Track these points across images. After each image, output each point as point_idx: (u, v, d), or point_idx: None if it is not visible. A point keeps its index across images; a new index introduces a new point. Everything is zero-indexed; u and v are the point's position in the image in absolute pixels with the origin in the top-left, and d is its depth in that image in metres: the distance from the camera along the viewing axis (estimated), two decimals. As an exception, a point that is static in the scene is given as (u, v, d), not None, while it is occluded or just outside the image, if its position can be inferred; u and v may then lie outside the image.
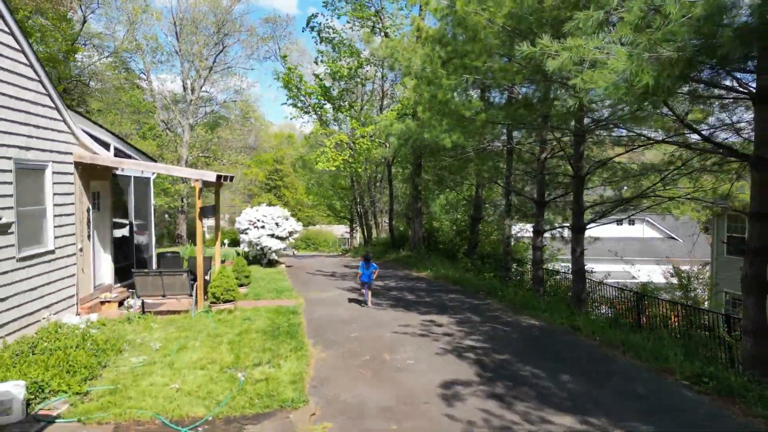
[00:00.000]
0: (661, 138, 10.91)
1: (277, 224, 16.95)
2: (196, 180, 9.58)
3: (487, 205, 20.07)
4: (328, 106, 21.33)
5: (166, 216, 48.38)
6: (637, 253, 35.22)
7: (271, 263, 17.35)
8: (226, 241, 24.20)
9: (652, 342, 8.07)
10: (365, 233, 36.15)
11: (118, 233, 11.81)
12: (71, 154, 9.10)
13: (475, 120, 9.45)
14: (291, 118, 21.50)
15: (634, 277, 27.38)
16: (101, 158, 9.50)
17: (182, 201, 42.57)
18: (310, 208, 46.80)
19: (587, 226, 11.64)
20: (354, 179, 36.04)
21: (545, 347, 7.99)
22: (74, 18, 27.06)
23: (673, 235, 40.24)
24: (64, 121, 8.90)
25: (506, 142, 14.55)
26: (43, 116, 8.28)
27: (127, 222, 12.28)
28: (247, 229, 16.79)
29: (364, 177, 29.34)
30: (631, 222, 39.36)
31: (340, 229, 76.58)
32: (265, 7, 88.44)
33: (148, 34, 42.31)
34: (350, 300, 11.70)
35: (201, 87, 43.98)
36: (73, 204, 9.17)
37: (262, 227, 16.76)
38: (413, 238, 21.07)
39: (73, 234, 9.16)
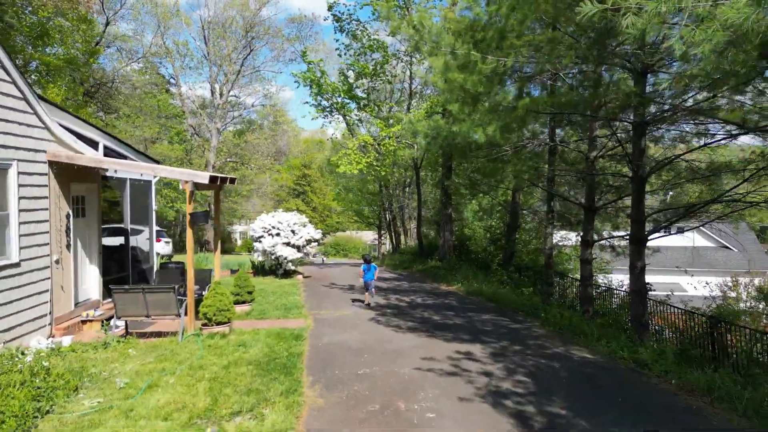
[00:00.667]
0: (736, 132, 8.98)
1: (293, 231, 15.63)
2: (186, 182, 8.26)
3: (524, 212, 18.21)
4: (352, 105, 19.98)
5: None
6: (687, 263, 32.38)
7: (288, 274, 16.03)
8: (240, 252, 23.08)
9: (750, 390, 6.20)
10: (393, 240, 34.61)
11: (111, 242, 10.67)
12: (44, 152, 7.94)
13: (515, 109, 7.80)
14: (312, 119, 19.97)
15: (685, 290, 24.81)
16: (80, 157, 8.32)
17: (209, 207, 42.05)
18: (339, 214, 45.69)
19: (649, 237, 9.74)
20: (382, 184, 34.63)
21: (607, 393, 6.23)
22: (97, 18, 26.81)
23: (727, 244, 37.08)
24: (36, 113, 7.75)
25: (548, 140, 12.75)
26: (5, 107, 7.12)
27: (122, 229, 11.14)
28: (261, 236, 15.54)
29: (391, 181, 27.86)
30: (681, 229, 36.48)
31: (370, 236, 75.41)
32: (290, 8, 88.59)
33: (177, 39, 42.38)
34: (368, 320, 10.17)
35: (229, 91, 43.63)
36: (46, 209, 8.00)
37: (277, 234, 15.47)
38: (443, 246, 19.41)
39: (47, 244, 7.98)
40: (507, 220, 17.98)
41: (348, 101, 19.42)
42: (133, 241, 12.12)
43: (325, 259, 63.92)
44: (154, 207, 12.24)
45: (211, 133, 43.16)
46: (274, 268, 15.99)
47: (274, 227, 15.50)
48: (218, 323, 8.35)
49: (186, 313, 8.36)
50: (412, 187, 31.23)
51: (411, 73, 19.98)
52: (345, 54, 19.38)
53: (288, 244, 15.46)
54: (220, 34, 43.06)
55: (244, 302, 10.55)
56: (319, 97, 19.57)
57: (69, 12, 21.19)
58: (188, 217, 8.52)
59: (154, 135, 38.08)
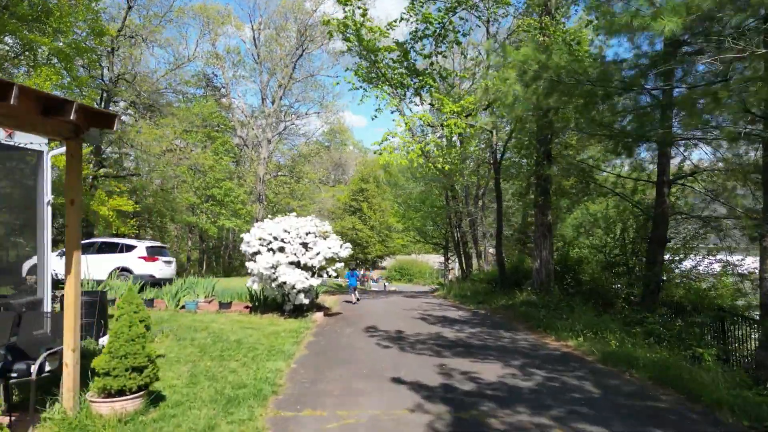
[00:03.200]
0: None
1: (305, 245, 10.10)
2: None
3: (679, 217, 11.51)
4: (404, 74, 14.31)
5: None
6: None
7: (300, 311, 10.43)
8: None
9: None
10: (463, 264, 28.26)
11: None
12: None
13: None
14: (351, 89, 14.09)
15: None
16: None
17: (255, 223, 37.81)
18: (401, 233, 40.00)
19: None
20: (449, 195, 28.60)
21: None
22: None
23: None
24: None
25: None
26: None
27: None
28: (257, 252, 10.11)
29: (460, 182, 21.85)
30: None
31: (436, 259, 68.88)
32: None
33: (228, 45, 39.25)
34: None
35: (281, 98, 39.95)
36: None
37: (280, 250, 9.99)
38: (538, 272, 13.02)
39: None
40: (650, 230, 11.29)
41: (399, 67, 13.78)
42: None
43: (387, 285, 58.46)
44: (48, 196, 7.07)
45: (260, 143, 39.52)
46: (280, 302, 10.48)
47: (276, 238, 10.05)
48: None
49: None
50: (487, 197, 24.93)
51: (490, 14, 13.81)
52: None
53: (297, 264, 9.92)
54: (273, 37, 39.84)
55: (138, 370, 4.91)
56: (358, 57, 14.08)
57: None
58: None
59: (199, 143, 34.74)
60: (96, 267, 15.37)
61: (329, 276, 10.69)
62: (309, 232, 10.27)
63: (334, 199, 51.44)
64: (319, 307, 11.87)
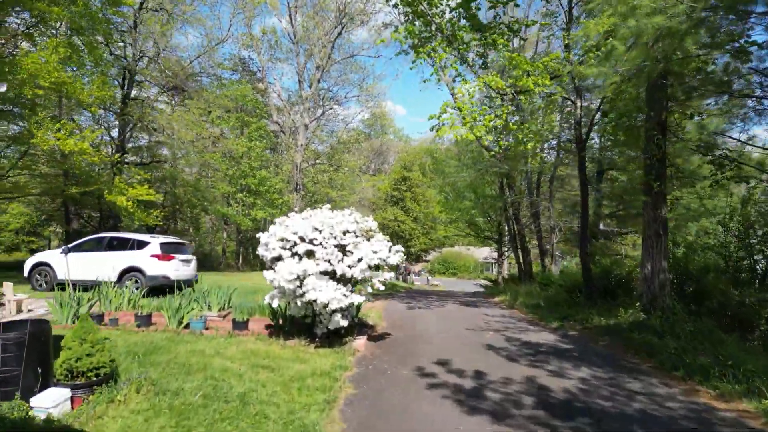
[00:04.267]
0: None
1: (342, 248, 7.39)
2: None
3: None
4: (466, 28, 11.29)
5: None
6: None
7: (337, 336, 7.74)
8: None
9: None
10: (521, 262, 25.04)
11: None
12: None
13: None
14: (398, 53, 11.04)
15: None
16: None
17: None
18: (447, 226, 36.92)
19: None
20: (504, 183, 25.36)
21: None
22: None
23: None
24: None
25: None
26: None
27: None
28: (278, 258, 7.48)
29: (518, 168, 18.65)
30: None
31: (483, 252, 65.27)
32: None
33: (264, 26, 36.75)
34: None
35: (318, 81, 37.41)
36: None
37: (309, 255, 7.31)
38: (649, 282, 9.80)
39: None
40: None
41: (458, 17, 10.75)
42: None
43: (430, 278, 55.60)
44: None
45: (297, 129, 37.28)
46: (310, 321, 7.84)
47: (303, 239, 7.37)
48: None
49: None
50: (555, 183, 21.56)
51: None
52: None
53: (331, 275, 7.23)
54: (310, 16, 37.32)
55: None
56: (413, 21, 11.21)
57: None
58: None
59: (232, 130, 32.81)
60: (104, 267, 13.27)
61: (374, 290, 7.94)
62: (347, 231, 7.54)
63: (374, 189, 48.78)
64: (361, 326, 9.19)
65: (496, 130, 11.92)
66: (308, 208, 8.32)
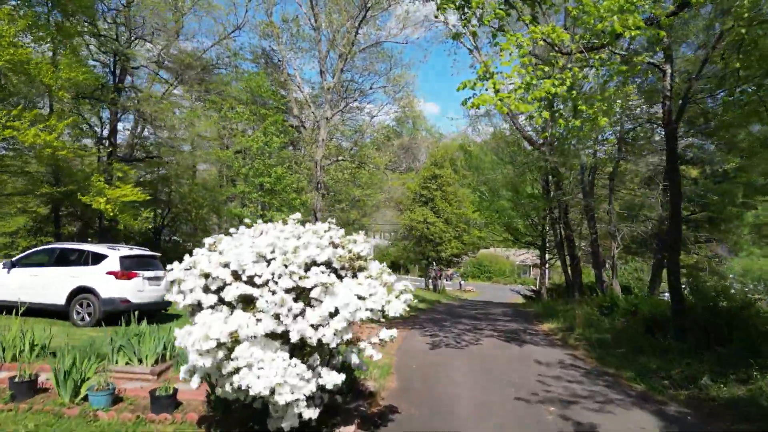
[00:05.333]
0: None
1: (303, 292, 4.26)
2: None
3: None
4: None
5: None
6: None
7: (308, 427, 4.61)
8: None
9: None
10: (569, 272, 21.43)
11: None
12: None
13: None
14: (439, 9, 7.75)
15: None
16: None
17: (314, 216, 32.97)
18: (482, 228, 33.35)
19: None
20: (550, 180, 21.77)
21: None
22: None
23: None
24: None
25: None
26: None
27: None
28: (197, 307, 4.42)
29: (570, 163, 15.15)
30: None
31: (519, 255, 60.99)
32: None
33: (285, 13, 33.76)
34: None
35: (342, 70, 34.49)
36: None
37: (245, 302, 4.22)
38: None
39: None
40: None
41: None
42: None
43: (463, 282, 51.85)
44: None
45: (318, 123, 34.48)
46: (259, 407, 4.74)
47: (238, 274, 4.28)
48: None
49: None
50: (611, 180, 17.83)
51: None
52: None
53: (283, 338, 4.12)
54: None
55: None
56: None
57: None
58: None
59: (246, 122, 30.23)
60: (51, 286, 10.67)
61: (361, 360, 4.85)
62: (315, 262, 4.43)
63: (404, 187, 45.56)
64: (355, 393, 6.10)
65: (551, 108, 8.60)
66: (329, 218, 5.22)
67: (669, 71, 9.01)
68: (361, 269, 4.80)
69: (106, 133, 20.95)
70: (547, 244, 26.45)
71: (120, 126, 24.73)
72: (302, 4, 35.17)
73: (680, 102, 9.39)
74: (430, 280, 36.65)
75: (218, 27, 31.22)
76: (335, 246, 4.79)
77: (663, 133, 15.66)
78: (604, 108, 7.59)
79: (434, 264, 34.61)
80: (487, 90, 6.85)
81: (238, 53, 31.88)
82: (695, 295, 9.46)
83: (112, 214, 15.59)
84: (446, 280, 49.03)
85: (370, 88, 37.48)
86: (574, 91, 7.26)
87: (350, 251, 4.79)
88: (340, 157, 36.66)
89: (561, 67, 7.50)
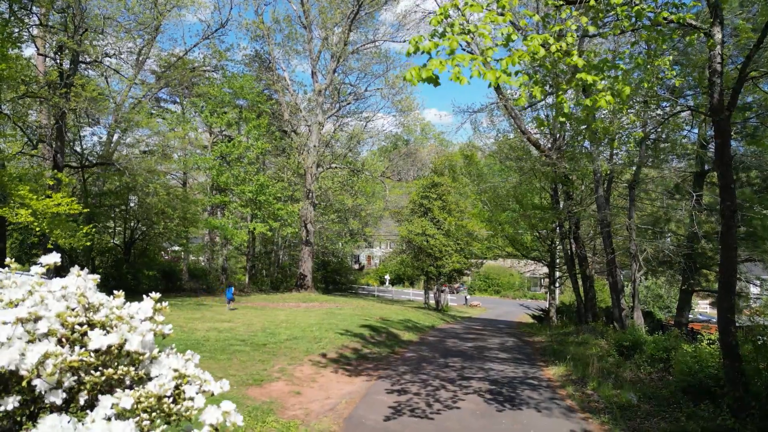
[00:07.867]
0: None
1: None
2: None
3: None
4: None
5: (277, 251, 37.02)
6: None
7: None
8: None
9: None
10: (581, 294, 18.75)
11: None
12: None
13: None
14: None
15: None
16: None
17: (305, 228, 30.34)
18: (484, 241, 30.61)
19: None
20: (559, 189, 19.17)
21: None
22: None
23: None
24: None
25: None
26: None
27: None
28: None
29: (581, 170, 12.65)
30: None
31: (529, 267, 57.91)
32: None
33: (275, 12, 31.45)
34: None
35: (334, 71, 31.98)
36: None
37: None
38: None
39: None
40: None
41: None
42: None
43: (468, 297, 48.96)
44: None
45: (310, 128, 31.95)
46: None
47: None
48: None
49: None
50: (629, 187, 15.12)
51: None
52: None
53: None
54: (325, -3, 32.01)
55: None
56: None
57: None
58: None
59: (226, 125, 28.08)
60: None
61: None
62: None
63: (409, 197, 43.04)
64: None
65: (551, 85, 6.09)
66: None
67: (718, 36, 6.41)
68: (135, 381, 2.25)
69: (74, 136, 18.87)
70: (557, 260, 23.71)
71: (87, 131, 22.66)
72: (292, 1, 33.17)
73: (734, 84, 6.79)
74: (432, 295, 33.95)
75: (203, 26, 29.12)
76: (76, 316, 2.24)
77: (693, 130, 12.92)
78: (619, 86, 5.03)
79: (435, 279, 31.99)
80: (444, 49, 4.32)
81: (223, 53, 29.73)
82: (758, 352, 6.77)
83: (38, 229, 13.26)
84: (450, 296, 46.19)
85: (366, 90, 35.33)
86: (575, 54, 4.66)
87: (108, 347, 2.23)
88: (333, 164, 34.30)
89: (563, 18, 4.95)
